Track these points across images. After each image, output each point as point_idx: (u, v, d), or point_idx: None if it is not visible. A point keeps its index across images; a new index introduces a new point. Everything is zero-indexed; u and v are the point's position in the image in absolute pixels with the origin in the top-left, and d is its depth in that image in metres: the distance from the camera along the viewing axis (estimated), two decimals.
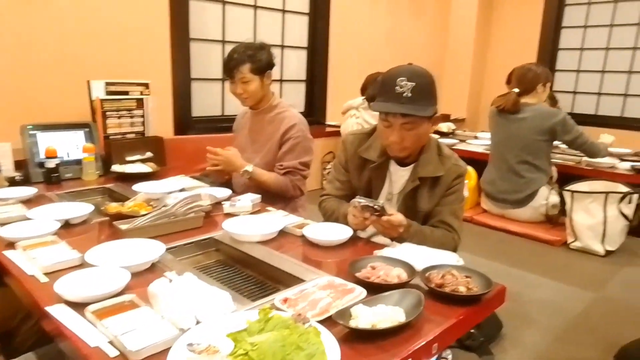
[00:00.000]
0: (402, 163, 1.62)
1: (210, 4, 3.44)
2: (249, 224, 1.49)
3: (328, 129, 4.20)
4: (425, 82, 1.48)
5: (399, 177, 1.63)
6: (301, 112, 4.11)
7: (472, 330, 1.62)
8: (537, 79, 3.19)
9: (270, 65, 2.04)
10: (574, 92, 5.23)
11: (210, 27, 3.47)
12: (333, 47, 4.16)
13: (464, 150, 3.82)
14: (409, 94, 1.43)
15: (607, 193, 2.85)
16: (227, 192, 1.83)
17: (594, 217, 2.88)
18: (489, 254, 2.89)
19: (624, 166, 3.20)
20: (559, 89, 5.26)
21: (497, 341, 1.85)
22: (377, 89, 1.53)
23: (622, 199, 2.83)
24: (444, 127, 4.61)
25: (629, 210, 2.85)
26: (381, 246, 1.41)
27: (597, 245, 2.89)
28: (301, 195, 2.11)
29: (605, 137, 3.35)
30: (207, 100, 3.55)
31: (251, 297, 1.16)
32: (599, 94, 5.10)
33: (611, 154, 3.43)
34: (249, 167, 1.97)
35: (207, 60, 3.47)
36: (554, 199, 3.13)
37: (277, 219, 1.55)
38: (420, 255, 1.30)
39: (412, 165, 1.60)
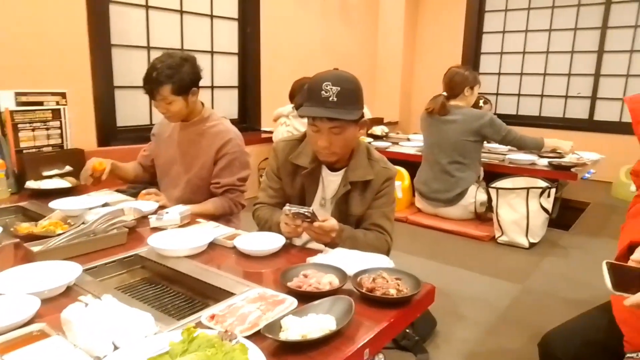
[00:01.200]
0: (333, 168, 1.63)
1: (131, 8, 3.30)
2: (176, 238, 1.42)
3: (263, 135, 4.16)
4: (351, 86, 1.49)
5: (330, 182, 1.63)
6: (234, 119, 4.13)
7: (407, 330, 1.64)
8: (464, 82, 3.33)
9: (194, 82, 1.92)
10: (497, 94, 5.54)
11: (134, 33, 3.33)
12: (265, 52, 4.14)
13: (397, 153, 3.91)
14: (335, 98, 1.44)
15: (528, 188, 3.03)
16: (153, 205, 1.74)
17: (517, 212, 3.05)
18: (424, 253, 2.98)
19: (542, 162, 3.41)
20: (483, 91, 5.53)
21: (431, 339, 1.90)
22: (304, 94, 1.52)
23: (541, 193, 3.02)
24: (378, 130, 4.71)
25: (548, 203, 3.05)
26: (315, 252, 1.40)
27: (522, 239, 3.05)
28: (242, 209, 2.06)
29: (563, 143, 3.53)
30: (132, 109, 3.40)
31: (179, 316, 1.11)
32: (519, 95, 5.43)
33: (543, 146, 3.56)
34: (186, 210, 1.70)
35: (131, 68, 3.32)
36: (482, 196, 3.28)
37: (206, 231, 1.49)
38: (352, 260, 1.31)
39: (342, 170, 1.61)
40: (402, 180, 3.67)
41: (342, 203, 1.60)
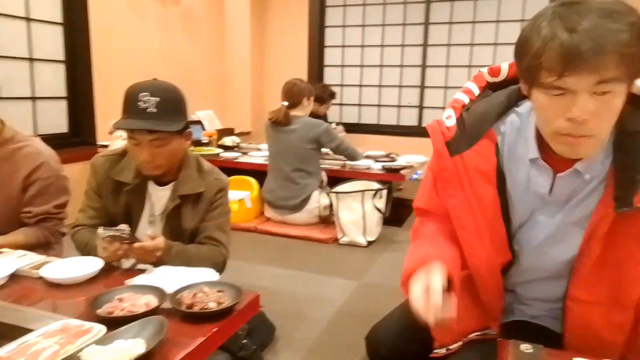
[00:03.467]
0: (160, 182, 1.58)
1: None
2: None
3: (100, 150, 3.85)
4: (171, 97, 1.46)
5: (159, 197, 1.58)
6: (64, 134, 3.75)
7: (244, 341, 1.66)
8: (301, 93, 3.52)
9: None
10: (340, 104, 5.92)
11: None
12: (98, 61, 3.84)
13: (246, 163, 3.94)
14: (154, 109, 1.40)
15: (362, 191, 3.29)
16: None
17: (355, 213, 3.29)
18: (272, 260, 3.04)
19: (377, 167, 3.73)
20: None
21: (271, 345, 1.94)
22: (122, 106, 1.46)
23: (374, 195, 3.30)
24: (228, 141, 4.69)
25: (381, 204, 3.35)
26: (138, 273, 1.34)
27: (360, 238, 3.30)
28: (62, 237, 1.84)
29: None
30: None
31: None
32: (359, 105, 5.87)
33: (368, 156, 4.00)
34: None
35: None
36: (325, 201, 3.47)
37: (8, 262, 1.33)
38: (174, 277, 1.28)
39: (171, 184, 1.57)
40: (251, 191, 3.71)
41: (174, 218, 1.56)
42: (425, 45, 5.40)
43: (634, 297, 0.93)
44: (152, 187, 1.58)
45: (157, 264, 1.42)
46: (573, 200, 0.96)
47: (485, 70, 1.07)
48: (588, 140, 0.85)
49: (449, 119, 1.05)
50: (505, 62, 1.04)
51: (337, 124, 4.70)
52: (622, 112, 0.85)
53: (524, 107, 1.01)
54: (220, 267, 1.56)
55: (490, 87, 1.08)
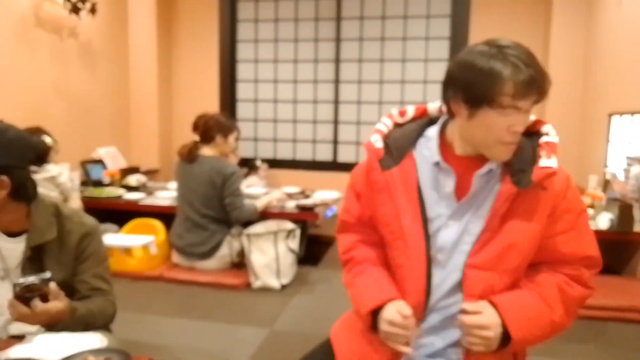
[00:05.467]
0: (9, 233, 1.41)
1: None
2: None
3: None
4: None
5: (10, 250, 1.41)
6: None
7: None
8: (215, 128, 3.27)
9: None
10: (255, 140, 5.83)
11: None
12: None
13: (151, 206, 3.69)
14: None
15: (275, 232, 3.18)
16: None
17: (267, 256, 3.16)
18: (178, 311, 2.82)
19: (291, 205, 3.65)
20: (243, 136, 5.78)
21: None
22: None
23: (288, 235, 3.21)
24: (133, 180, 4.40)
25: (295, 244, 3.25)
26: (15, 342, 1.18)
27: (274, 281, 3.17)
28: None
29: (275, 193, 3.71)
30: None
31: None
32: (275, 140, 5.82)
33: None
34: None
35: None
36: (237, 246, 3.29)
37: None
38: (57, 346, 1.15)
39: (24, 235, 1.41)
40: (156, 235, 3.45)
41: (35, 271, 1.37)
42: (336, 82, 5.51)
43: (513, 265, 1.16)
44: (0, 238, 1.41)
45: (56, 327, 1.27)
46: (481, 196, 1.17)
47: (395, 111, 1.33)
48: (515, 145, 1.13)
49: (377, 142, 1.25)
50: (412, 106, 1.31)
51: (263, 161, 4.52)
52: None
53: (431, 132, 1.25)
54: (112, 319, 1.50)
55: (397, 124, 1.32)
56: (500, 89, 1.05)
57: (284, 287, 3.19)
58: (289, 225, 3.26)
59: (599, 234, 3.25)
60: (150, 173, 5.12)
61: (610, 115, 3.90)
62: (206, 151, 3.29)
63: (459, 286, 1.17)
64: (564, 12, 4.61)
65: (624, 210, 3.21)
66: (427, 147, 1.23)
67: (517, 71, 1.04)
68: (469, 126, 1.14)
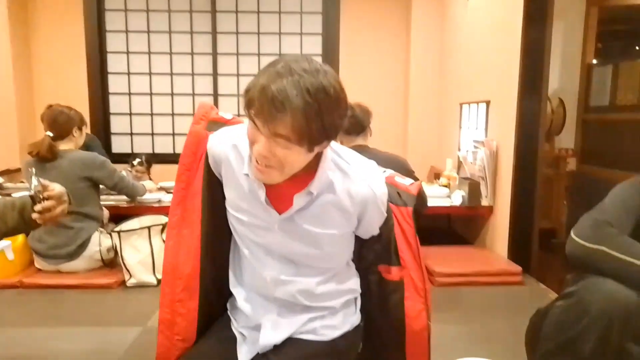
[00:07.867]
0: None
1: None
2: None
3: None
4: None
5: None
6: None
7: None
8: (71, 122, 3.13)
9: None
10: (131, 134, 5.56)
11: None
12: None
13: None
14: None
15: (149, 227, 3.09)
16: None
17: (142, 252, 3.06)
18: (41, 320, 2.64)
19: (168, 198, 3.57)
20: (118, 131, 5.49)
21: None
22: None
23: (163, 229, 3.13)
24: None
25: None
26: None
27: (150, 277, 3.08)
28: None
29: (148, 183, 3.69)
30: None
31: None
32: (152, 134, 5.60)
33: (162, 188, 3.83)
34: None
35: None
36: (107, 242, 3.15)
37: None
38: None
39: None
40: (13, 240, 3.15)
41: None
42: (215, 74, 5.46)
43: None
44: None
45: None
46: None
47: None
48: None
49: None
50: None
51: (141, 158, 4.41)
52: None
53: None
54: None
55: None
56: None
57: (160, 282, 3.11)
58: (164, 218, 3.19)
59: (453, 209, 3.76)
60: (9, 173, 4.66)
61: (461, 104, 4.38)
62: (64, 146, 3.11)
63: None
64: (422, 10, 5.05)
65: (473, 188, 3.65)
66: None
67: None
68: None
